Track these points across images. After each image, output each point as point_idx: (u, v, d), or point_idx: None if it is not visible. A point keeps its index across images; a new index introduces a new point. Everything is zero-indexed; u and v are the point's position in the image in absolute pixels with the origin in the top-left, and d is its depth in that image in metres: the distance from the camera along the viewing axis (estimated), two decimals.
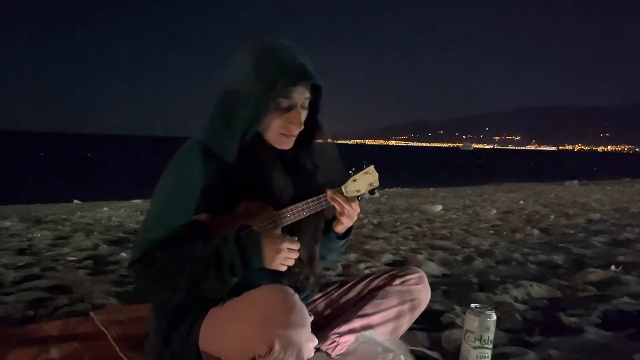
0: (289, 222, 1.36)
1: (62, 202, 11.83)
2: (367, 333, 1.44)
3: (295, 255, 1.30)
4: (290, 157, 1.40)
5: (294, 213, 1.35)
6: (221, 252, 1.24)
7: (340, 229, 1.47)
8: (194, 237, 1.29)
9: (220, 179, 1.31)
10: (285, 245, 1.27)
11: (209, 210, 1.32)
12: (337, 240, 1.52)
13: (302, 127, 1.33)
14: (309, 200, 1.35)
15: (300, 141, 1.38)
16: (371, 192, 1.37)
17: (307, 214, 1.36)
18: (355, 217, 1.43)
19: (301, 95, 1.31)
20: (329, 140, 1.44)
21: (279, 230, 1.35)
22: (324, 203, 1.36)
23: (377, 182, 1.36)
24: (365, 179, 1.36)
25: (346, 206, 1.36)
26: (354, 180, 1.36)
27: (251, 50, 1.30)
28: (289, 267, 1.32)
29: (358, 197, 1.38)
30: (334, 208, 1.39)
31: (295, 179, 1.39)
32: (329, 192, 1.35)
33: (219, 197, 1.31)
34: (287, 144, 1.36)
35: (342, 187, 1.36)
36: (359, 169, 1.37)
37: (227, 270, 1.23)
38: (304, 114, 1.34)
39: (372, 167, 1.36)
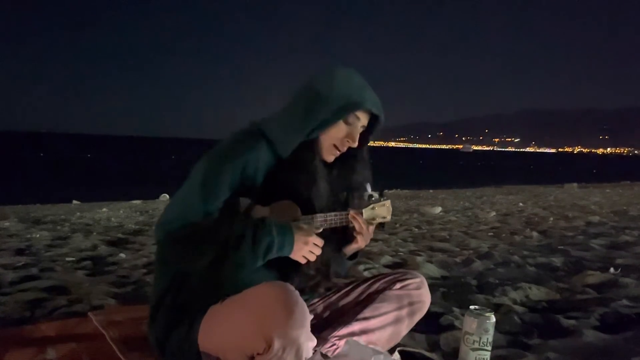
0: (317, 229, 1.42)
1: (61, 202, 11.83)
2: (353, 339, 1.44)
3: (318, 251, 1.38)
4: (332, 170, 1.48)
5: (319, 222, 1.41)
6: (260, 231, 1.29)
7: (351, 249, 1.55)
8: (227, 214, 1.34)
9: (266, 170, 1.38)
10: (313, 239, 1.36)
11: (244, 197, 1.36)
12: (345, 261, 1.59)
13: (356, 145, 1.44)
14: (332, 213, 1.43)
15: (342, 158, 1.48)
16: (381, 225, 1.49)
17: (328, 226, 1.43)
18: (369, 240, 1.51)
19: (364, 120, 1.45)
20: (368, 163, 1.55)
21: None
22: (344, 220, 1.45)
23: (390, 217, 1.48)
24: (381, 211, 1.46)
25: (365, 227, 1.45)
26: (372, 208, 1.46)
27: (342, 70, 1.45)
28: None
29: (370, 224, 1.48)
30: (351, 229, 1.48)
31: (329, 191, 1.46)
32: (351, 212, 1.44)
33: (258, 188, 1.38)
34: (332, 156, 1.46)
35: (363, 212, 1.45)
36: (376, 200, 1.46)
37: (263, 248, 1.29)
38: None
39: (389, 202, 1.48)
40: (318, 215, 1.42)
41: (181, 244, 1.32)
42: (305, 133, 1.39)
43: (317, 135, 1.40)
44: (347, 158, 1.49)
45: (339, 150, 1.45)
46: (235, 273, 1.33)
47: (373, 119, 1.47)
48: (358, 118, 1.42)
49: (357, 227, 1.46)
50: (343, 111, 1.39)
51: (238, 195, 1.36)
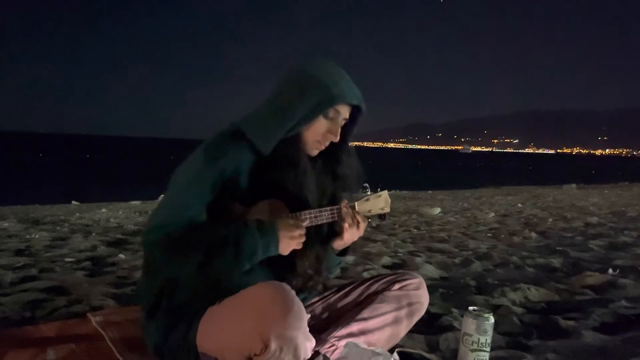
0: (306, 226, 1.39)
1: (60, 203, 11.82)
2: (352, 342, 1.44)
3: (303, 238, 1.36)
4: (316, 164, 1.46)
5: (308, 219, 1.39)
6: (242, 235, 1.28)
7: (339, 244, 1.50)
8: (212, 218, 1.34)
9: (249, 170, 1.37)
10: (298, 232, 1.34)
11: (229, 197, 1.36)
12: (335, 257, 1.54)
13: (338, 139, 1.42)
14: (323, 209, 1.40)
15: (326, 152, 1.46)
16: (381, 216, 1.45)
17: (319, 223, 1.40)
18: (359, 236, 1.47)
19: (345, 113, 1.42)
20: (353, 155, 1.52)
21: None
22: (336, 215, 1.42)
23: (389, 207, 1.43)
24: (378, 202, 1.42)
25: (355, 223, 1.43)
26: (367, 200, 1.42)
27: (320, 62, 1.43)
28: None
29: (368, 218, 1.44)
30: (340, 222, 1.45)
31: (317, 186, 1.45)
32: (343, 206, 1.41)
33: (242, 188, 1.36)
34: (316, 151, 1.44)
35: (356, 204, 1.41)
36: (371, 190, 1.44)
37: (247, 254, 1.28)
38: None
39: (385, 192, 1.43)
40: (302, 213, 1.39)
41: (166, 252, 1.31)
42: (284, 130, 1.36)
43: (297, 131, 1.38)
44: (332, 151, 1.47)
45: (322, 145, 1.43)
46: (224, 277, 1.31)
47: (355, 111, 1.45)
48: (338, 112, 1.40)
49: (347, 221, 1.43)
50: (322, 106, 1.36)
51: (223, 197, 1.35)
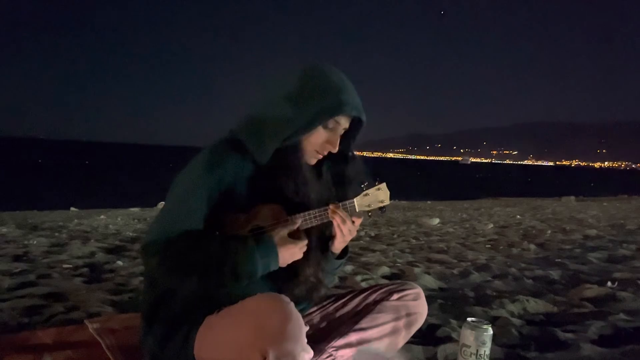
0: (301, 228, 1.38)
1: (59, 209, 11.81)
2: (365, 347, 1.43)
3: (304, 249, 1.36)
4: (317, 171, 1.46)
5: (305, 220, 1.37)
6: (241, 257, 1.26)
7: (336, 246, 1.48)
8: (211, 230, 1.32)
9: (247, 178, 1.36)
10: (298, 247, 1.34)
11: (227, 206, 1.34)
12: (334, 261, 1.52)
13: (336, 150, 1.41)
14: (322, 209, 1.38)
15: (329, 160, 1.46)
16: (381, 209, 1.40)
17: (317, 223, 1.38)
18: (352, 235, 1.43)
19: (345, 123, 1.40)
20: (357, 161, 1.51)
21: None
22: (324, 217, 1.39)
23: (388, 200, 1.39)
24: (377, 195, 1.38)
25: (348, 221, 1.38)
26: (366, 195, 1.38)
27: (321, 69, 1.38)
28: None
29: (368, 212, 1.40)
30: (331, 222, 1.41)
31: (320, 193, 1.43)
32: (331, 205, 1.37)
33: (241, 197, 1.35)
34: (314, 160, 1.43)
35: (354, 200, 1.38)
36: (370, 184, 1.39)
37: (246, 274, 1.27)
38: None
39: (384, 185, 1.39)
40: (299, 215, 1.37)
41: (165, 271, 1.29)
42: (280, 140, 1.34)
43: (296, 140, 1.36)
44: (334, 159, 1.46)
45: (320, 155, 1.42)
46: (225, 288, 1.30)
47: (356, 121, 1.43)
48: (338, 123, 1.38)
49: (339, 221, 1.38)
50: (321, 117, 1.34)
51: (221, 206, 1.33)
